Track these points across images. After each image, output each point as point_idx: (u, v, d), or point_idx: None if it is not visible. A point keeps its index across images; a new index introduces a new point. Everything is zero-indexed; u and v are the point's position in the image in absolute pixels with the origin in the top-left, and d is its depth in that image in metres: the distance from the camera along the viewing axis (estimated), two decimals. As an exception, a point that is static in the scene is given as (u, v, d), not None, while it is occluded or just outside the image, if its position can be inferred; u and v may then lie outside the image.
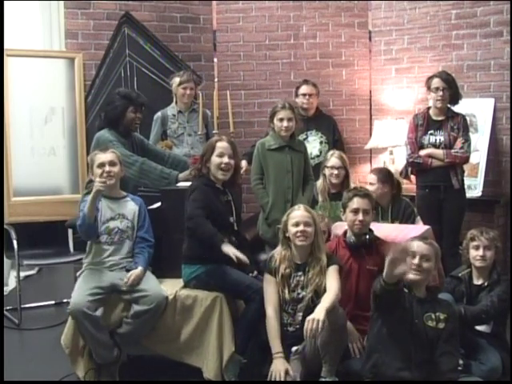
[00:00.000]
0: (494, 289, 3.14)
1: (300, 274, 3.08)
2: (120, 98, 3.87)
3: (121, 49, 5.04)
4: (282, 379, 2.85)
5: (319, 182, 4.03)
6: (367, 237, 3.23)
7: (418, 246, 2.87)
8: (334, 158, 4.01)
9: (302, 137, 4.43)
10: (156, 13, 5.15)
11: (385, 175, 3.93)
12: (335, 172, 3.97)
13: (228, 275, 3.23)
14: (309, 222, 3.08)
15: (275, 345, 2.97)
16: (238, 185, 3.59)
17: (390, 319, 2.80)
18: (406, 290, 2.83)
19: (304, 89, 4.74)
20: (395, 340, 2.78)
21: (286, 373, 2.87)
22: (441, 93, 4.06)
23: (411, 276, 2.81)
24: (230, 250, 3.03)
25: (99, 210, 3.35)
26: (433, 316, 2.80)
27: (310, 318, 2.78)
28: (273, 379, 2.86)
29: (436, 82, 4.09)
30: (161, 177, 3.71)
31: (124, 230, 3.40)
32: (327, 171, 4.00)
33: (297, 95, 4.80)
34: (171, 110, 4.55)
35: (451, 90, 4.06)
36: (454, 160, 4.05)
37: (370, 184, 3.90)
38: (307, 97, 4.73)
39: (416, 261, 2.82)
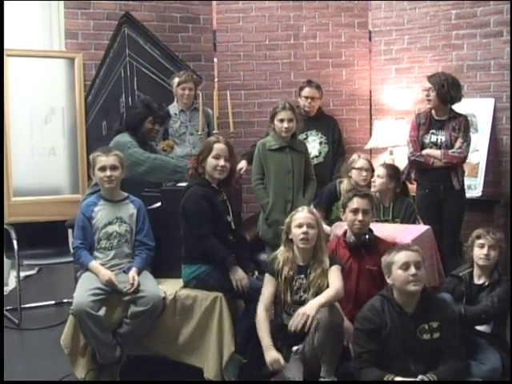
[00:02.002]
0: (494, 289, 3.14)
1: (302, 276, 3.07)
2: (142, 106, 3.86)
3: (121, 49, 5.04)
4: (282, 364, 2.84)
5: (345, 183, 4.02)
6: (367, 237, 3.23)
7: (408, 256, 2.78)
8: (362, 160, 4.01)
9: (301, 137, 4.42)
10: (156, 13, 5.15)
11: (394, 171, 3.96)
12: (364, 174, 3.96)
13: (228, 275, 3.23)
14: (312, 223, 3.06)
15: (265, 338, 2.96)
16: (238, 185, 3.59)
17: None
18: (398, 310, 2.80)
19: (307, 91, 4.66)
20: (391, 357, 2.76)
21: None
22: (426, 92, 4.08)
23: (412, 288, 2.74)
24: (236, 276, 3.16)
25: (95, 216, 3.37)
26: (426, 327, 2.75)
27: (300, 311, 2.79)
28: (273, 370, 2.86)
29: (425, 84, 4.11)
30: (174, 171, 3.66)
31: (123, 234, 3.39)
32: (355, 173, 3.97)
33: (299, 96, 4.76)
34: (173, 108, 4.53)
35: (438, 91, 4.03)
36: (451, 160, 4.04)
37: (378, 176, 3.91)
38: (309, 100, 4.66)
39: (413, 270, 2.74)
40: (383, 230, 3.39)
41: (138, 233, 3.42)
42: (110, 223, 3.38)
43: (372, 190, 3.88)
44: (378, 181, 3.89)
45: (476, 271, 3.22)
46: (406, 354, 2.75)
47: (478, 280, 3.21)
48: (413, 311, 2.80)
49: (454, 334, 2.79)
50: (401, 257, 2.78)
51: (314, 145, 4.70)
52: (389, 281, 2.83)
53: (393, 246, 3.05)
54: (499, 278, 3.17)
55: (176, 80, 4.51)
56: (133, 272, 3.27)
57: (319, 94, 4.73)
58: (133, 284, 3.21)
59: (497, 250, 3.18)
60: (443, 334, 2.76)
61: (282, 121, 3.88)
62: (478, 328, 3.13)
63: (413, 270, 2.74)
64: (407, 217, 3.85)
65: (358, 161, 4.02)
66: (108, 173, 3.34)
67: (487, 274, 3.19)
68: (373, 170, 4.02)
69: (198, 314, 3.24)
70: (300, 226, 3.06)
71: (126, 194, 3.49)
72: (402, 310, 2.79)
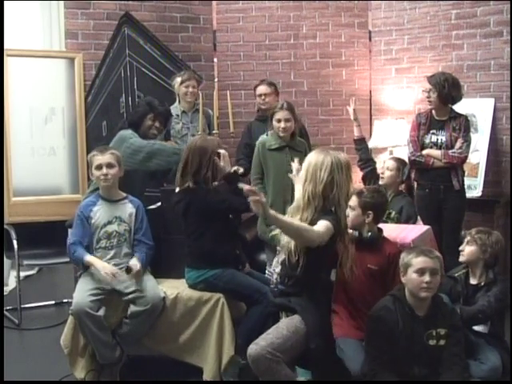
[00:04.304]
0: (490, 289, 3.13)
1: None
2: (143, 104, 3.96)
3: (121, 49, 5.04)
4: None
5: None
6: (369, 234, 3.20)
7: (426, 262, 2.75)
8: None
9: (262, 137, 4.28)
10: (156, 13, 5.16)
11: (403, 165, 3.99)
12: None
13: (237, 278, 3.26)
14: None
15: None
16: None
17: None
18: (408, 311, 2.78)
19: (259, 89, 4.56)
20: (395, 359, 2.74)
21: None
22: (426, 94, 4.08)
23: (423, 294, 2.73)
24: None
25: (94, 216, 3.37)
26: (433, 333, 2.74)
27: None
28: None
29: (425, 84, 4.11)
30: (173, 153, 3.70)
31: (122, 233, 3.39)
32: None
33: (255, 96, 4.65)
34: (174, 109, 4.52)
35: (439, 91, 4.02)
36: (452, 160, 4.04)
37: (388, 169, 3.94)
38: (263, 97, 4.53)
39: (427, 278, 2.72)
40: (385, 229, 3.38)
41: (137, 232, 3.42)
42: (109, 222, 3.38)
43: (380, 182, 3.91)
44: (388, 173, 3.93)
45: (470, 271, 3.23)
46: (412, 357, 2.74)
47: (473, 280, 3.21)
48: (423, 315, 2.79)
49: (459, 342, 2.78)
50: (418, 262, 2.76)
51: None
52: (403, 280, 2.83)
53: (413, 246, 3.03)
54: (495, 278, 3.15)
55: (178, 79, 4.50)
56: (134, 260, 3.29)
57: (271, 90, 4.56)
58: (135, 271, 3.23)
59: (473, 246, 3.16)
60: (449, 341, 2.76)
61: (279, 121, 3.89)
62: (476, 328, 3.12)
63: (427, 277, 2.73)
64: (404, 216, 3.84)
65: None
66: (104, 170, 3.34)
67: (480, 274, 3.18)
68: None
69: (199, 314, 3.24)
70: None
71: (124, 194, 3.49)
72: (412, 313, 2.78)
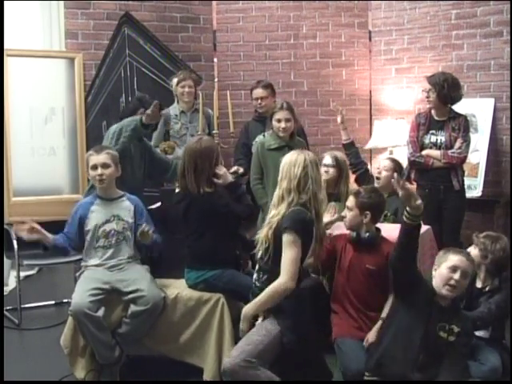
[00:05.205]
0: (493, 296, 3.12)
1: None
2: (135, 100, 4.08)
3: (121, 49, 5.05)
4: None
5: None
6: (367, 234, 3.20)
7: (461, 262, 2.75)
8: (327, 157, 3.97)
9: (259, 137, 4.31)
10: (156, 13, 5.16)
11: (399, 167, 3.98)
12: (326, 170, 3.91)
13: (237, 279, 3.26)
14: None
15: None
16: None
17: (407, 313, 2.77)
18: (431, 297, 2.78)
19: (255, 93, 4.49)
20: (405, 338, 2.75)
21: None
22: (426, 94, 4.08)
23: (446, 292, 2.73)
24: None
25: (91, 215, 3.37)
26: (446, 327, 2.74)
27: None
28: None
29: (425, 84, 4.11)
30: (131, 120, 3.75)
31: (120, 231, 3.38)
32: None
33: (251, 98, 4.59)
34: (173, 109, 4.54)
35: (438, 91, 4.02)
36: (451, 161, 4.04)
37: (384, 169, 3.92)
38: (259, 100, 4.46)
39: (457, 277, 2.72)
40: (384, 229, 3.38)
41: (139, 227, 3.39)
42: (107, 221, 3.37)
43: (376, 184, 3.90)
44: (384, 173, 3.92)
45: (477, 274, 3.22)
46: (421, 341, 2.74)
47: (479, 283, 3.20)
48: (443, 306, 2.80)
49: (467, 345, 2.80)
50: (454, 259, 2.77)
51: None
52: (434, 273, 2.84)
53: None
54: (500, 286, 3.14)
55: (175, 80, 4.52)
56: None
57: (267, 92, 4.47)
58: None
59: (476, 249, 3.16)
60: (458, 340, 2.76)
61: (279, 121, 3.89)
62: (476, 333, 3.11)
63: (457, 275, 2.73)
64: (401, 217, 3.83)
65: (325, 157, 3.99)
66: (99, 171, 3.31)
67: (484, 278, 3.16)
68: (340, 168, 3.95)
69: (199, 314, 3.24)
70: None
71: (121, 192, 3.47)
72: (435, 302, 2.78)
